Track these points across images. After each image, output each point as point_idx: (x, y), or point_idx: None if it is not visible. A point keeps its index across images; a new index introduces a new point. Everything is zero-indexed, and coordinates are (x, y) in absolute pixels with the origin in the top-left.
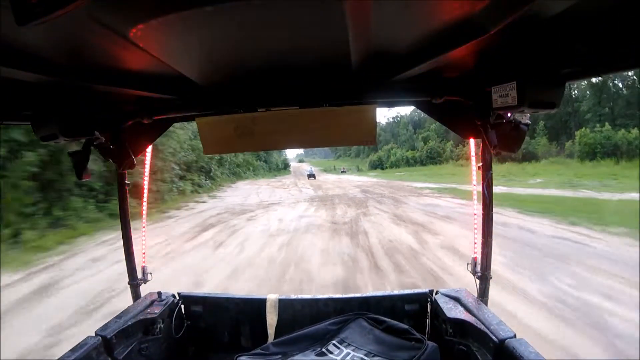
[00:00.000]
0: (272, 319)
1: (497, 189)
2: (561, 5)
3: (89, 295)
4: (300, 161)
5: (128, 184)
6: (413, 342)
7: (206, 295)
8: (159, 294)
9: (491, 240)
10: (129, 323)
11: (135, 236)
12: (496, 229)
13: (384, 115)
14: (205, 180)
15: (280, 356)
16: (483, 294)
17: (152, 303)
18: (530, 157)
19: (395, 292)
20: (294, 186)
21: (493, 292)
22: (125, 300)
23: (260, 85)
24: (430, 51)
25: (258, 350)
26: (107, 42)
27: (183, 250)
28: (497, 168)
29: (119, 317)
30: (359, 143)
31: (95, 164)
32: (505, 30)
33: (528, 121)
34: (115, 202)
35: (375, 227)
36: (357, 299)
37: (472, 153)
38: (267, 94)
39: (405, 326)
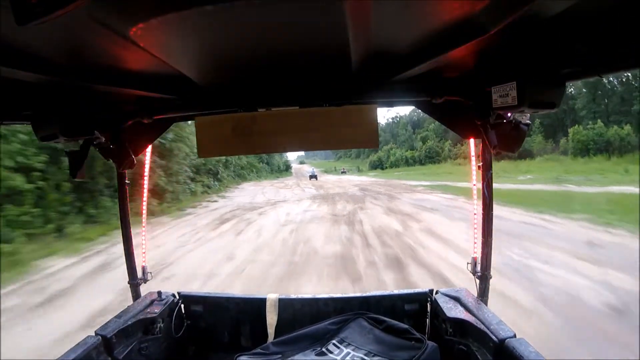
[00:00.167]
0: (272, 319)
1: (496, 186)
2: (561, 5)
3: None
4: (301, 163)
5: (128, 183)
6: (413, 342)
7: (206, 294)
8: (159, 293)
9: (491, 240)
10: (129, 322)
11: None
12: (470, 215)
13: (383, 115)
14: (214, 182)
15: (280, 356)
16: (483, 294)
17: (152, 302)
18: (526, 154)
19: (395, 291)
20: (297, 186)
21: (459, 258)
22: (168, 273)
23: (261, 85)
24: (430, 51)
25: (258, 350)
26: (107, 42)
27: (210, 237)
28: (492, 166)
29: (118, 316)
30: (361, 145)
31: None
32: (505, 30)
33: (528, 121)
34: (137, 202)
35: (369, 218)
36: (357, 299)
37: (472, 153)
38: (267, 94)
39: (405, 326)
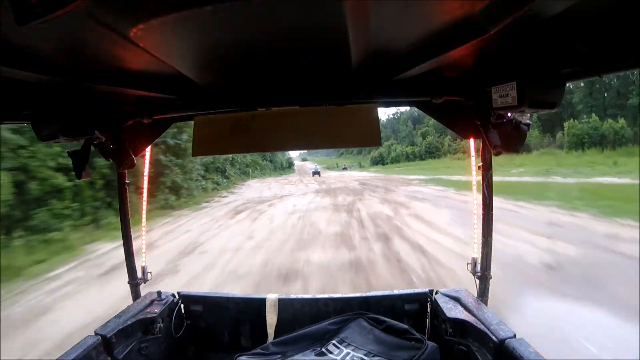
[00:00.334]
0: (271, 319)
1: (480, 178)
2: (561, 5)
3: (179, 248)
4: (304, 160)
5: (128, 183)
6: (413, 342)
7: (206, 294)
8: (159, 293)
9: (491, 240)
10: (129, 322)
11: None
12: (455, 204)
13: (384, 112)
14: (222, 179)
15: (280, 356)
16: (483, 294)
17: (151, 302)
18: (523, 148)
19: (395, 291)
20: (300, 182)
21: (434, 232)
22: (202, 249)
23: (261, 85)
24: (430, 51)
25: (258, 350)
26: (107, 42)
27: (229, 224)
28: (492, 166)
29: (118, 316)
30: (363, 144)
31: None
32: (505, 30)
33: (528, 121)
34: (159, 198)
35: (366, 206)
36: (357, 299)
37: (472, 153)
38: (267, 93)
39: (405, 326)
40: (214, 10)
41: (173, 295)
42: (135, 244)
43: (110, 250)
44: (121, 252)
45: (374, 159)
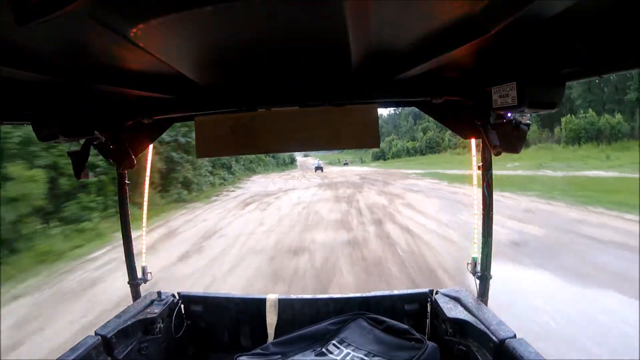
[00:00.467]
0: (272, 319)
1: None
2: (561, 5)
3: (200, 233)
4: (305, 155)
5: (128, 183)
6: (413, 342)
7: (206, 295)
8: (159, 293)
9: (491, 240)
10: (129, 323)
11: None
12: (445, 194)
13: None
14: (228, 175)
15: (280, 356)
16: (483, 294)
17: (151, 303)
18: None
19: (395, 292)
20: (303, 177)
21: (421, 217)
22: (221, 233)
23: (260, 85)
24: (430, 51)
25: (258, 350)
26: (107, 42)
27: (241, 214)
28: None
29: (118, 316)
30: (362, 145)
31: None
32: (505, 30)
33: (528, 121)
34: (172, 192)
35: (364, 197)
36: (357, 299)
37: (473, 153)
38: (267, 94)
39: (405, 326)
40: (214, 10)
41: (173, 295)
42: (135, 246)
43: (137, 237)
44: (150, 238)
45: (375, 154)
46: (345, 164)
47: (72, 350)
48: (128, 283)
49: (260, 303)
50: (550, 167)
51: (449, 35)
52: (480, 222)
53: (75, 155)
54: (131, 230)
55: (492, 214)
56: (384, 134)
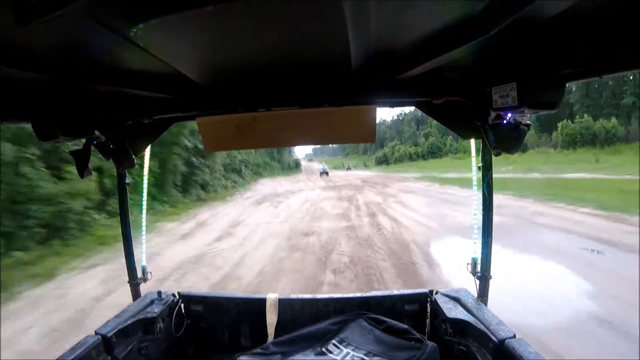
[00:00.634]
0: (272, 319)
1: (467, 175)
2: (561, 6)
3: (227, 223)
4: (310, 160)
5: (128, 183)
6: (413, 342)
7: (206, 294)
8: (159, 293)
9: (491, 241)
10: (129, 322)
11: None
12: (434, 194)
13: (389, 113)
14: (239, 178)
15: (280, 356)
16: (483, 294)
17: (152, 302)
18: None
19: (395, 292)
20: (308, 180)
21: (408, 211)
22: (244, 224)
23: (261, 85)
24: (430, 51)
25: (258, 350)
26: (107, 42)
27: (257, 210)
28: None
29: (118, 316)
30: (359, 141)
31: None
32: (505, 30)
33: (528, 122)
34: (193, 192)
35: (363, 197)
36: (357, 299)
37: (473, 154)
38: (268, 94)
39: (405, 326)
40: (213, 10)
41: (173, 295)
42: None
43: (176, 226)
44: (185, 227)
45: (378, 159)
46: (348, 168)
47: (72, 349)
48: (128, 283)
49: (260, 303)
50: (539, 170)
51: (449, 35)
52: (480, 223)
53: (77, 155)
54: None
55: (492, 214)
56: (387, 139)
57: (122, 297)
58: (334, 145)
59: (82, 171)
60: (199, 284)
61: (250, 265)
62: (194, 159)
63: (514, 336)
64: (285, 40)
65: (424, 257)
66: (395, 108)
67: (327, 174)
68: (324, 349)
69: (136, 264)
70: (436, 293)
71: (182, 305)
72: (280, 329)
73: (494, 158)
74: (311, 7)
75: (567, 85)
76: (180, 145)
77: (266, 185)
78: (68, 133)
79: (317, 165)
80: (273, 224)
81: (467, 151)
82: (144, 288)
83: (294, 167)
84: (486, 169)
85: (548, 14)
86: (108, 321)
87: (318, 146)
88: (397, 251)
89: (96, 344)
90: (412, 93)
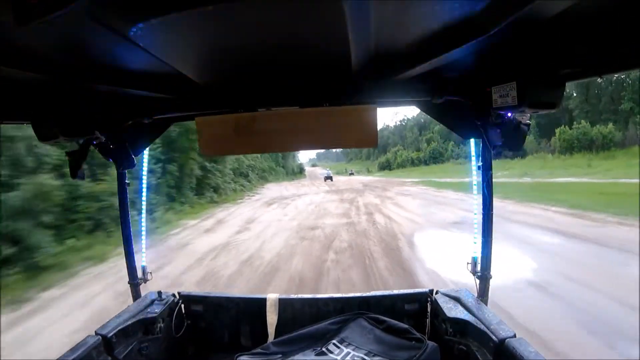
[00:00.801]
0: (272, 319)
1: (463, 179)
2: (561, 6)
3: (243, 220)
4: (313, 165)
5: (128, 183)
6: (413, 342)
7: (206, 294)
8: (159, 293)
9: (491, 240)
10: (129, 322)
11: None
12: (428, 197)
13: (391, 118)
14: (246, 182)
15: (280, 355)
16: (483, 294)
17: (152, 302)
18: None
19: (395, 291)
20: (312, 185)
21: (402, 211)
22: (258, 221)
23: (261, 85)
24: (430, 51)
25: (258, 350)
26: (107, 42)
27: (267, 210)
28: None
29: (118, 316)
30: (360, 145)
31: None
32: (505, 30)
33: (528, 121)
34: (207, 195)
35: (363, 199)
36: (357, 299)
37: (473, 153)
38: (267, 94)
39: (405, 326)
40: (213, 10)
41: (173, 295)
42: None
43: (198, 222)
44: (206, 224)
45: (381, 164)
46: (351, 173)
47: (72, 350)
48: (128, 283)
49: (261, 303)
50: (533, 175)
51: (449, 35)
52: (480, 223)
53: (73, 155)
54: (131, 230)
55: (492, 214)
56: (390, 144)
57: (163, 272)
58: (338, 151)
59: (75, 172)
60: (231, 261)
61: (269, 249)
62: (207, 164)
63: (514, 336)
64: (285, 40)
65: (407, 243)
66: (398, 114)
67: (331, 179)
68: (324, 349)
69: (136, 264)
70: (436, 293)
71: (182, 305)
72: (280, 328)
73: (494, 156)
74: (311, 7)
75: (566, 88)
76: (197, 150)
77: (272, 190)
78: (68, 133)
79: (321, 171)
80: (283, 221)
81: (467, 156)
82: (145, 288)
83: (298, 172)
84: (486, 169)
85: (548, 13)
86: (108, 321)
87: (322, 151)
88: (387, 239)
89: (96, 344)
90: (412, 92)
